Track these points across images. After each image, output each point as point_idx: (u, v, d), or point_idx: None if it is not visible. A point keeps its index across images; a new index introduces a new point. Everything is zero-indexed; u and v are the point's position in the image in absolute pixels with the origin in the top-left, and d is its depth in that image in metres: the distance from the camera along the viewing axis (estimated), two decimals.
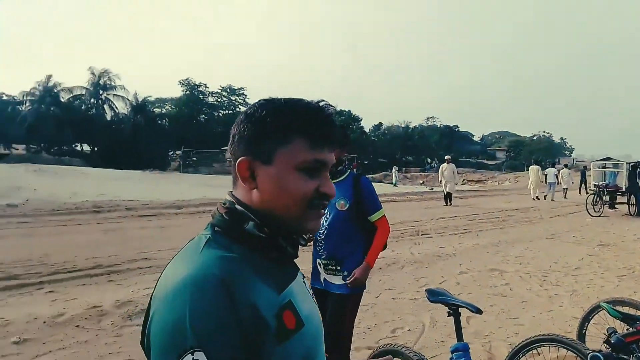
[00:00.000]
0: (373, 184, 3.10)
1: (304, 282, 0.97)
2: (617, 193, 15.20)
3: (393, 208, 15.01)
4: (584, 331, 3.79)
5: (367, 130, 58.20)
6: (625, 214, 14.64)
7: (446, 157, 17.93)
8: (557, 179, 20.25)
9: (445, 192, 16.74)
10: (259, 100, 0.90)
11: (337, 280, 2.82)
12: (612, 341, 1.88)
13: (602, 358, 1.65)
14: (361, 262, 2.79)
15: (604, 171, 16.41)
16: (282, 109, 0.86)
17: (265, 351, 0.77)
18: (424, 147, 57.53)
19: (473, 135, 70.63)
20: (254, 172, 0.85)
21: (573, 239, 10.05)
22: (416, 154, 57.54)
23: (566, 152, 74.27)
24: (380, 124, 61.10)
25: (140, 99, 41.72)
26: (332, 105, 0.91)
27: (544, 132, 71.02)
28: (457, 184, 16.81)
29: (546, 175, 20.49)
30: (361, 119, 56.78)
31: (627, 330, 2.44)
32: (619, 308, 3.57)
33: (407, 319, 4.89)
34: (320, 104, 0.89)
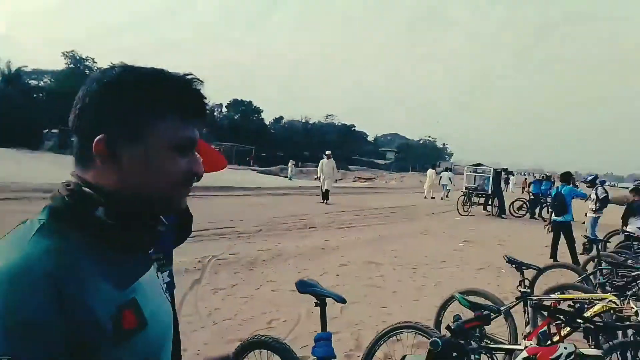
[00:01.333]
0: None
1: (158, 275, 0.88)
2: (482, 195, 17.08)
3: (285, 202, 15.15)
4: (440, 318, 4.17)
5: (267, 123, 58.02)
6: (488, 214, 16.53)
7: (326, 152, 16.29)
8: (451, 181, 22.81)
9: (324, 189, 15.82)
10: (116, 67, 0.77)
11: None
12: (453, 327, 2.06)
13: (439, 343, 1.79)
14: None
15: (475, 175, 18.31)
16: (152, 79, 0.76)
17: (100, 354, 0.68)
18: (322, 144, 59.01)
19: (367, 136, 74.29)
20: (115, 151, 0.74)
21: (443, 235, 11.06)
22: (314, 149, 58.82)
23: (447, 156, 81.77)
24: (281, 117, 61.33)
25: (13, 69, 36.71)
26: (200, 79, 0.82)
27: (429, 137, 77.44)
28: (336, 180, 16.19)
29: (441, 177, 23.27)
30: (262, 111, 56.41)
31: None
32: (471, 298, 3.98)
33: (284, 311, 4.94)
34: (188, 76, 0.79)
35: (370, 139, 75.75)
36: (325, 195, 15.86)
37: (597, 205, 9.35)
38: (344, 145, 55.89)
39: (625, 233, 8.03)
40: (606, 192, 9.62)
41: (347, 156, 54.09)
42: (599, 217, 9.48)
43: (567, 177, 8.89)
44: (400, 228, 11.76)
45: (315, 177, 16.21)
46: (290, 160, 34.47)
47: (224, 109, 57.63)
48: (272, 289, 5.67)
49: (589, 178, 10.13)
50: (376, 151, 71.55)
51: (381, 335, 3.21)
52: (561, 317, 2.46)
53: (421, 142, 75.36)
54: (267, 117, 59.93)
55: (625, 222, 8.47)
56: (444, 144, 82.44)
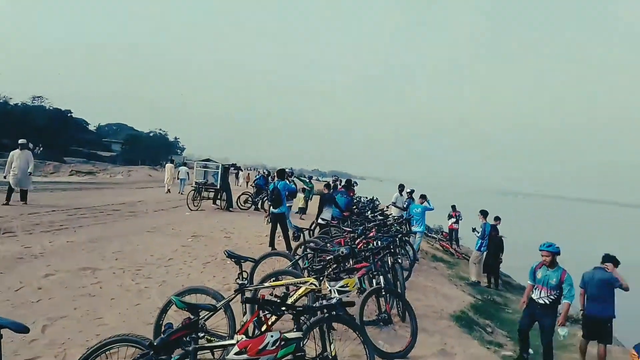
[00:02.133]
0: None
1: None
2: (212, 190, 17.55)
3: None
4: (161, 322, 3.96)
5: None
6: (218, 208, 17.10)
7: (20, 141, 12.96)
8: (188, 176, 22.56)
9: (16, 188, 12.50)
10: None
11: None
12: (156, 344, 1.91)
13: None
14: None
15: (205, 170, 18.62)
16: None
17: None
18: (29, 130, 48.80)
19: (88, 124, 65.85)
20: None
21: (172, 231, 10.78)
22: (18, 136, 48.13)
23: (178, 150, 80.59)
24: None
25: None
26: None
27: (161, 129, 74.55)
28: (30, 174, 12.42)
29: (179, 172, 22.99)
30: None
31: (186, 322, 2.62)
32: (191, 297, 3.93)
33: None
34: None
35: (92, 127, 67.48)
36: (23, 196, 12.68)
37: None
38: (58, 133, 47.84)
39: (322, 222, 9.68)
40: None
41: (63, 146, 46.60)
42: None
43: (282, 174, 10.01)
44: (124, 226, 10.83)
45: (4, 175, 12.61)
46: None
47: None
48: None
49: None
50: (99, 142, 64.23)
51: (88, 355, 2.79)
52: (268, 307, 2.65)
53: (151, 134, 71.82)
54: None
55: (320, 212, 10.15)
56: (175, 138, 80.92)
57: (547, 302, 5.91)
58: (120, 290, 5.86)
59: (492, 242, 11.69)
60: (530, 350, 7.04)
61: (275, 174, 10.69)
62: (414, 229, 11.80)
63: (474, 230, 11.98)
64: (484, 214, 11.85)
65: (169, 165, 23.64)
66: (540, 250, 6.07)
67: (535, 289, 6.08)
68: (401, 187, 14.18)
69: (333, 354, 3.27)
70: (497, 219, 12.53)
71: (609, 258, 6.79)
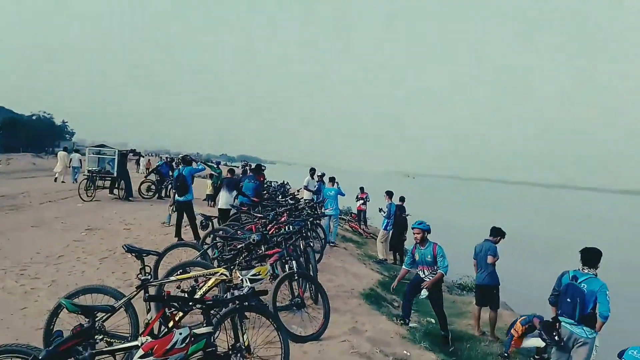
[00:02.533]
0: None
1: None
2: (108, 178, 16.18)
3: None
4: (51, 327, 3.54)
5: None
6: (116, 198, 15.85)
7: None
8: (81, 163, 20.70)
9: None
10: None
11: None
12: (41, 357, 1.65)
13: None
14: None
15: (98, 157, 17.06)
16: None
17: None
18: None
19: None
20: None
21: (62, 225, 9.76)
22: None
23: (67, 135, 73.25)
24: None
25: None
26: None
27: (45, 112, 66.98)
28: None
29: (71, 159, 21.28)
30: None
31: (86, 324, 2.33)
32: (85, 298, 3.55)
33: None
34: None
35: None
36: None
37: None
38: None
39: (224, 207, 9.41)
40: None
41: None
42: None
43: (187, 160, 9.52)
44: (4, 222, 9.58)
45: None
46: None
47: None
48: None
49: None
50: None
51: None
52: (175, 303, 2.45)
53: (34, 117, 64.20)
54: None
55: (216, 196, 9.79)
56: (63, 121, 73.28)
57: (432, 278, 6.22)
58: (2, 294, 5.16)
59: (397, 222, 12.31)
60: (432, 320, 7.58)
61: (180, 160, 10.12)
62: (328, 212, 11.97)
63: (380, 210, 12.49)
64: (390, 194, 12.39)
65: (61, 153, 21.89)
66: (412, 228, 6.39)
67: (420, 270, 6.40)
68: (312, 171, 14.30)
69: (246, 344, 3.16)
70: (402, 199, 13.17)
71: (494, 231, 7.38)
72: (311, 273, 6.28)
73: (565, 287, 4.63)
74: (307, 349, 4.58)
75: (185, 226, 9.03)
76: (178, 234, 8.92)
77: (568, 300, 4.55)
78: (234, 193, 9.67)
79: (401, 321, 6.26)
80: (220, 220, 8.83)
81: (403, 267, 6.77)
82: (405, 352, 5.11)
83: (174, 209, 9.49)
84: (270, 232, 6.81)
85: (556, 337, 4.66)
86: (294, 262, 5.56)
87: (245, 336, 3.17)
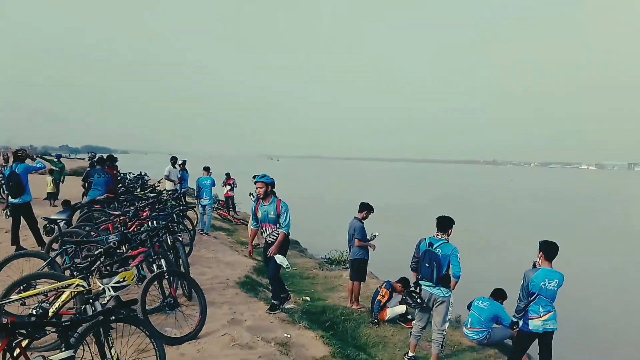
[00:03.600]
0: None
1: None
2: None
3: None
4: None
5: None
6: None
7: None
8: None
9: None
10: None
11: None
12: None
13: None
14: None
15: None
16: None
17: None
18: None
19: None
20: None
21: None
22: None
23: None
24: None
25: None
26: None
27: None
28: None
29: None
30: None
31: None
32: None
33: None
34: None
35: None
36: None
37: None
38: None
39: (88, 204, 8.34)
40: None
41: None
42: None
43: (20, 155, 8.03)
44: None
45: None
46: None
47: None
48: None
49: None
50: None
51: None
52: (22, 331, 2.04)
53: None
54: None
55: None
56: None
57: (274, 238, 5.75)
58: None
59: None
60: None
61: (11, 156, 8.60)
62: (203, 202, 11.47)
63: (250, 195, 12.35)
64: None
65: None
66: (255, 182, 5.87)
67: (263, 229, 5.90)
68: (173, 160, 13.46)
69: (115, 359, 2.84)
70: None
71: (362, 206, 7.70)
72: (182, 269, 5.93)
73: (423, 253, 5.12)
74: (185, 350, 4.34)
75: (25, 233, 7.78)
76: (15, 241, 7.64)
77: (426, 265, 5.05)
78: None
79: (280, 308, 6.06)
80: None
81: (251, 227, 6.45)
82: (285, 334, 5.17)
83: (8, 213, 8.08)
84: (131, 230, 6.24)
85: (418, 300, 5.17)
86: (162, 260, 5.18)
87: (113, 350, 2.84)
